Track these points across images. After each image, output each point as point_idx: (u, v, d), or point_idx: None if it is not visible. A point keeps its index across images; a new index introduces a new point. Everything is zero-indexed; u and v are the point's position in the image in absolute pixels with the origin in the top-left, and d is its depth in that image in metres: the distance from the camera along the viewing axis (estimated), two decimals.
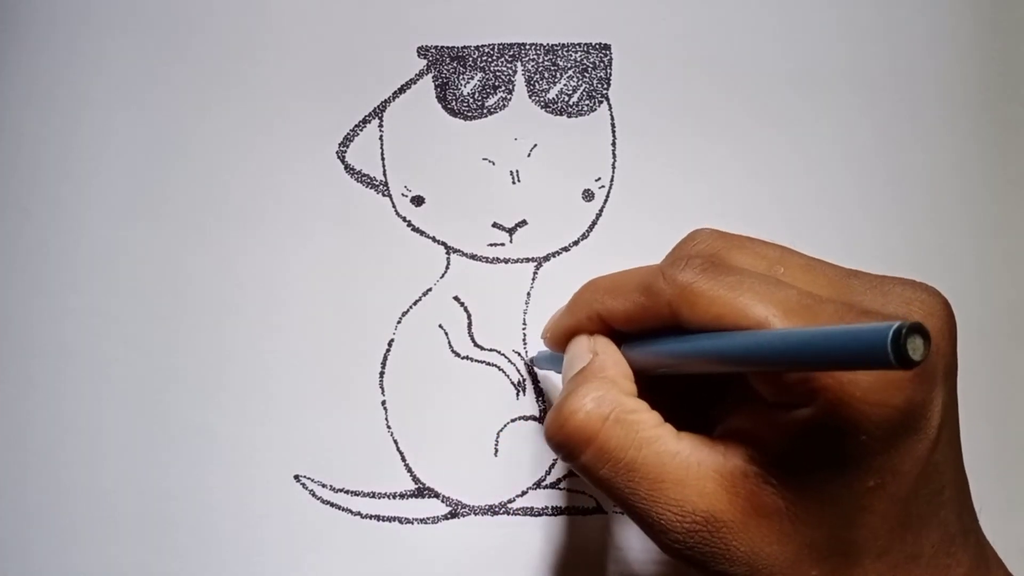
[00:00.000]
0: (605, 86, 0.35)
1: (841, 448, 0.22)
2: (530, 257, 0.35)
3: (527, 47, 0.35)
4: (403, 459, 0.34)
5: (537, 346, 0.34)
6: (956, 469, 0.24)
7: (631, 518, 0.25)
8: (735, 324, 0.23)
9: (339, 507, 0.34)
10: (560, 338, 0.29)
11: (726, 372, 0.24)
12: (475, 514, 0.34)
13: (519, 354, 0.34)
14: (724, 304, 0.23)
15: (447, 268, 0.35)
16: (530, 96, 0.35)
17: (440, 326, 0.34)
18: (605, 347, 0.27)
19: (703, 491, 0.23)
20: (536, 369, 0.34)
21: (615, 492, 0.24)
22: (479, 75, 0.35)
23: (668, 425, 0.25)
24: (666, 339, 0.25)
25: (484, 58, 0.35)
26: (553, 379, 0.34)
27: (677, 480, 0.24)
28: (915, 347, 0.17)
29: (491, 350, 0.34)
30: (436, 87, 0.35)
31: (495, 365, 0.34)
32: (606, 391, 0.25)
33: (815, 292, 0.23)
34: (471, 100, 0.35)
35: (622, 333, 0.27)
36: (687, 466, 0.24)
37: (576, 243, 0.35)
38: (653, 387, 0.26)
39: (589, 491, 0.34)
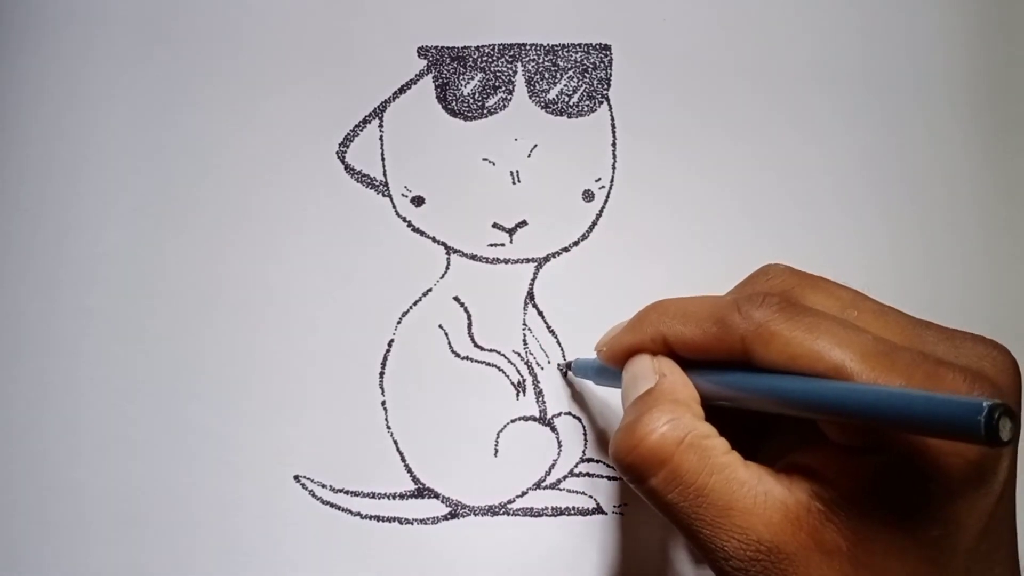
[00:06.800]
0: (605, 86, 0.35)
1: (910, 495, 0.22)
2: (530, 257, 0.35)
3: (527, 47, 0.35)
4: (403, 459, 0.34)
5: (539, 347, 0.34)
6: (1012, 528, 0.24)
7: (691, 542, 0.25)
8: (810, 367, 0.23)
9: (339, 507, 0.34)
10: (620, 355, 0.29)
11: (798, 416, 0.24)
12: (475, 514, 0.34)
13: (519, 354, 0.34)
14: (800, 345, 0.23)
15: (447, 268, 0.35)
16: (530, 96, 0.35)
17: (440, 326, 0.34)
18: (671, 369, 0.27)
19: (769, 521, 0.23)
20: (570, 375, 0.34)
21: (680, 517, 0.24)
22: (479, 75, 0.35)
23: (736, 453, 0.25)
24: (737, 372, 0.25)
25: (484, 58, 0.35)
26: (590, 389, 0.34)
27: (745, 509, 0.24)
28: (1005, 427, 0.18)
29: (491, 350, 0.34)
30: (436, 87, 0.35)
31: (495, 365, 0.34)
32: (680, 415, 0.25)
33: (889, 339, 0.23)
34: (471, 100, 0.35)
35: (682, 359, 0.27)
36: (755, 495, 0.24)
37: (576, 243, 0.35)
38: (708, 412, 0.26)
39: (589, 492, 0.34)
